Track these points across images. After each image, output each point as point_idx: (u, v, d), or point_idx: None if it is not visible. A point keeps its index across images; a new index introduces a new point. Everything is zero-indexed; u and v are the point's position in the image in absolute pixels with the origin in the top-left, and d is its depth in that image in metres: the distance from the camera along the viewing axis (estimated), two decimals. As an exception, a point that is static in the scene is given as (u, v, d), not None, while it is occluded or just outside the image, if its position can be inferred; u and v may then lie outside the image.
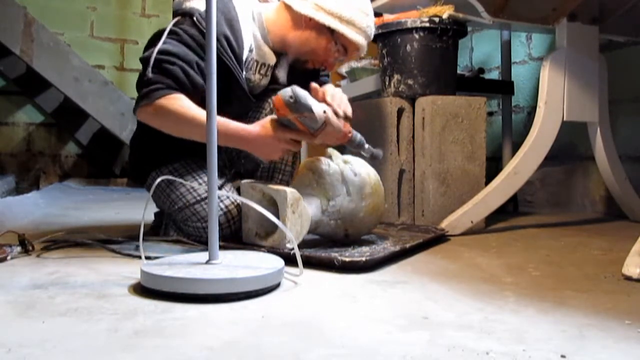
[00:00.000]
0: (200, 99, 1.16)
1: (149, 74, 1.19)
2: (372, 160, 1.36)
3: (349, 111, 1.30)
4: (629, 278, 1.06)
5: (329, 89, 1.31)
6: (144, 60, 1.25)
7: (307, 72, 1.52)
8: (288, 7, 1.41)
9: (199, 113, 1.19)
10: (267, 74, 1.47)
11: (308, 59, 1.47)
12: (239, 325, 0.77)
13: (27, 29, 3.26)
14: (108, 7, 3.84)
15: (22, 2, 3.33)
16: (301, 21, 1.40)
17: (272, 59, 1.45)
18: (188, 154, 1.41)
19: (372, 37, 1.48)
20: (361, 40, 1.43)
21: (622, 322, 0.79)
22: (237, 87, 1.34)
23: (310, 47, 1.43)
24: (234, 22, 1.32)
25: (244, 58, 1.37)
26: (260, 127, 1.24)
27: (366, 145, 1.33)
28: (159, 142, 1.36)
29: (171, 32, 1.27)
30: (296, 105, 1.17)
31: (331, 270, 1.12)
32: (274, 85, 1.47)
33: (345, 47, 1.44)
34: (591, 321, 0.80)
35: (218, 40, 1.23)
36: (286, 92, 1.18)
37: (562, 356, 0.65)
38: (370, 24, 1.45)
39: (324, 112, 1.22)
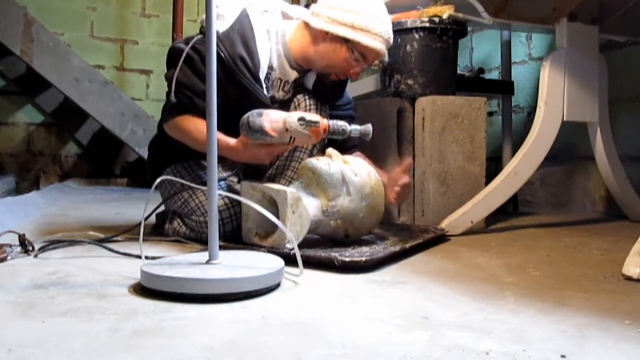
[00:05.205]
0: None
1: (172, 99, 1.37)
2: (365, 139, 1.33)
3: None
4: (629, 278, 1.06)
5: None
6: (168, 80, 1.40)
7: (334, 82, 1.56)
8: (306, 24, 1.48)
9: (201, 129, 1.33)
10: (290, 90, 1.55)
11: (331, 71, 1.51)
12: (239, 325, 0.77)
13: (27, 29, 3.26)
14: (108, 7, 3.84)
15: (22, 2, 3.33)
16: (318, 36, 1.46)
17: (293, 76, 1.53)
18: (201, 155, 1.49)
19: (390, 41, 1.49)
20: (378, 45, 1.44)
21: (622, 322, 0.79)
22: (256, 100, 1.40)
23: (331, 59, 1.47)
24: (250, 43, 1.39)
25: (264, 75, 1.44)
26: (239, 141, 1.33)
27: (349, 129, 1.30)
28: (176, 144, 1.46)
29: (187, 58, 1.38)
30: (248, 132, 1.27)
31: (331, 270, 1.12)
32: (302, 93, 1.56)
33: (364, 54, 1.46)
34: (591, 321, 0.80)
35: (234, 61, 1.36)
36: (242, 120, 1.27)
37: (562, 356, 0.65)
38: (387, 28, 1.46)
39: (284, 122, 1.26)
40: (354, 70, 1.49)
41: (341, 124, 1.30)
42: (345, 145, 1.60)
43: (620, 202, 1.98)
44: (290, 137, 1.29)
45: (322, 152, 1.64)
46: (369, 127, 1.32)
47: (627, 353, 0.68)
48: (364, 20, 1.42)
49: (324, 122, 1.28)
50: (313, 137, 1.28)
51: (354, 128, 1.31)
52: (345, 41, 1.43)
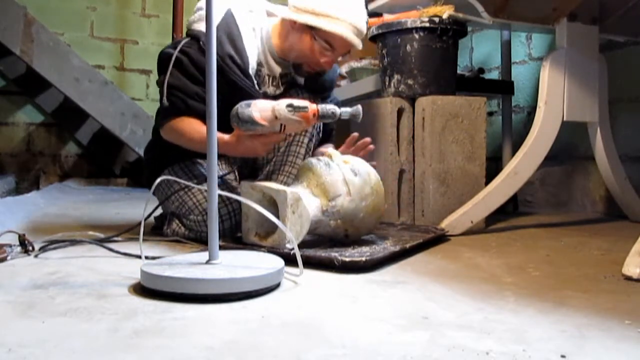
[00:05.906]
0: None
1: (165, 103, 1.39)
2: (356, 120, 1.33)
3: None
4: (629, 278, 1.06)
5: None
6: (160, 85, 1.42)
7: (318, 73, 1.56)
8: (282, 18, 1.50)
9: (197, 129, 1.38)
10: (280, 85, 1.56)
11: (302, 61, 1.50)
12: (239, 325, 0.77)
13: (27, 29, 3.25)
14: (108, 7, 3.83)
15: (22, 2, 3.32)
16: (288, 27, 1.47)
17: (278, 70, 1.55)
18: (197, 154, 1.50)
19: (360, 28, 1.45)
20: (343, 31, 1.42)
21: (622, 322, 0.79)
22: (249, 96, 1.39)
23: (300, 49, 1.47)
24: (237, 41, 1.41)
25: (253, 71, 1.46)
26: (232, 135, 1.34)
27: (338, 112, 1.30)
28: (171, 146, 1.47)
29: (177, 62, 1.40)
30: (239, 124, 1.28)
31: (331, 270, 1.12)
32: (295, 88, 1.57)
33: (329, 42, 1.44)
34: (591, 321, 0.80)
35: (223, 61, 1.37)
36: (232, 112, 1.28)
37: (562, 356, 0.65)
38: (353, 15, 1.43)
39: (273, 110, 1.26)
40: (324, 60, 1.48)
41: (330, 107, 1.30)
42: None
43: (620, 202, 1.98)
44: (281, 125, 1.28)
45: (319, 144, 1.65)
46: (359, 108, 1.31)
47: (627, 353, 0.68)
48: (325, 6, 1.41)
49: (313, 106, 1.28)
50: (304, 122, 1.28)
51: (344, 110, 1.31)
52: (310, 29, 1.43)
